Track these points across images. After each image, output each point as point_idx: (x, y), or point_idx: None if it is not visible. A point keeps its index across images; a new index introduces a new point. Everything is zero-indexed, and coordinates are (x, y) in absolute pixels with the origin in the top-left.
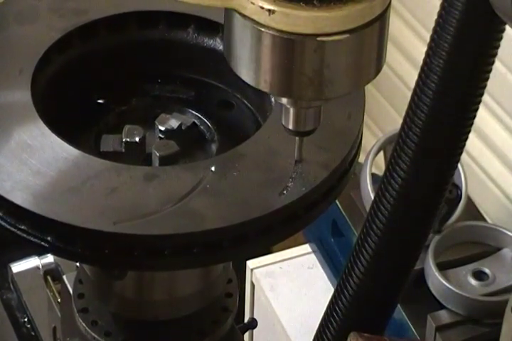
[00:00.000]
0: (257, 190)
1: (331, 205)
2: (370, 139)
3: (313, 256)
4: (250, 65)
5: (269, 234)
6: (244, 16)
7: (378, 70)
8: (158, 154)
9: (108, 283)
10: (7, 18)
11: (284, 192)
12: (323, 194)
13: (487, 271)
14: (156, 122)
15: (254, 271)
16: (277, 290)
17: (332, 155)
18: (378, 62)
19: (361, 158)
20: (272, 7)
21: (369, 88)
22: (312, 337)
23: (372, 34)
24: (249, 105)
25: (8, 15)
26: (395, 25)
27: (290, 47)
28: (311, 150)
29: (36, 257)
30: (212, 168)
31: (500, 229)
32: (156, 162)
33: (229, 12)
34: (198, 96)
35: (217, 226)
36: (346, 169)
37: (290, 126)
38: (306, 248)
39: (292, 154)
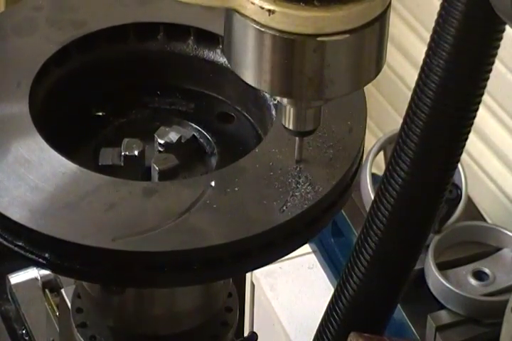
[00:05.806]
0: (258, 205)
1: (332, 220)
2: (370, 139)
3: (313, 256)
4: (250, 65)
5: (271, 249)
6: (244, 16)
7: (378, 70)
8: (157, 168)
9: (107, 298)
10: (5, 29)
11: (285, 207)
12: (325, 209)
13: (487, 271)
14: (156, 135)
15: (254, 270)
16: (277, 290)
17: (334, 170)
18: (378, 62)
19: None
20: (272, 7)
21: (369, 88)
22: (312, 337)
23: (373, 34)
24: (249, 118)
25: (6, 27)
26: (395, 25)
27: (290, 47)
28: (312, 165)
29: (34, 268)
30: (212, 183)
31: (500, 229)
32: (155, 176)
33: (229, 12)
34: (197, 109)
35: (217, 243)
36: (348, 184)
37: (290, 126)
38: (306, 248)
39: (294, 169)
